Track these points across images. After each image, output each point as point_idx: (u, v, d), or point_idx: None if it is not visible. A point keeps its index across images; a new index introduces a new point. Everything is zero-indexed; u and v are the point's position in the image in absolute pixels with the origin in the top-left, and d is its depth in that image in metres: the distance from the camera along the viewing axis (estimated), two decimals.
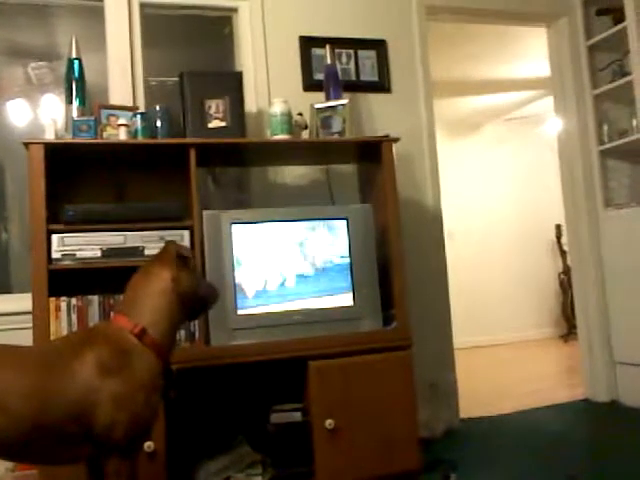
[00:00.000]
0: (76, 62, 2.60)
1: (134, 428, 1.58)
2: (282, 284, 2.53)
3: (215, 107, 2.69)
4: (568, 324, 6.56)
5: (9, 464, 2.46)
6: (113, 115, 2.67)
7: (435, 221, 3.39)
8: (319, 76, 3.12)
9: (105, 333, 1.67)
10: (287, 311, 2.51)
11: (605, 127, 3.77)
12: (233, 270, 2.47)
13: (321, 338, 2.49)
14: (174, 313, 1.74)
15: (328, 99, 2.94)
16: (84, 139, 2.47)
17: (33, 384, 1.52)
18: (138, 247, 2.42)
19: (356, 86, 3.26)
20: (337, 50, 3.22)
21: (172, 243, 1.81)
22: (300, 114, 2.92)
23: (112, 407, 1.55)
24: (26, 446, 1.52)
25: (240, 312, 2.46)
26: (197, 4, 3.16)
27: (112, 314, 1.77)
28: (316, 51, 3.20)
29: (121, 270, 2.42)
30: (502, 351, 6.14)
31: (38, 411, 1.49)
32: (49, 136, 2.46)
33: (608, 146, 3.74)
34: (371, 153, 2.78)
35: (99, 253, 2.38)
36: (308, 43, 3.22)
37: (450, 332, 3.36)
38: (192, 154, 2.51)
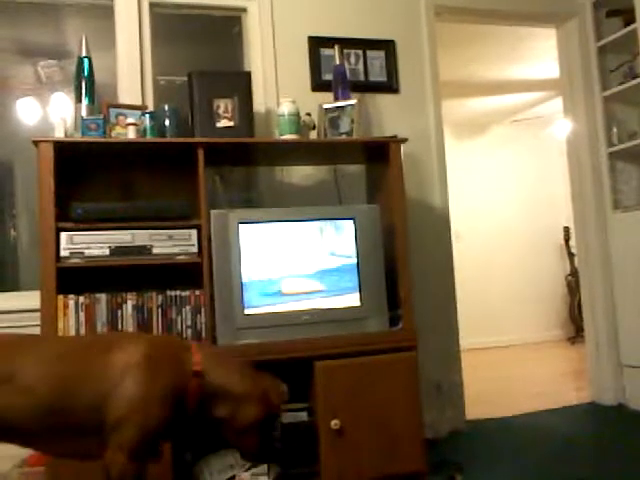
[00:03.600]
0: (86, 61, 2.61)
1: (144, 433, 1.56)
2: (289, 284, 2.54)
3: (224, 107, 2.69)
4: (575, 326, 6.54)
5: (17, 461, 2.48)
6: (122, 114, 2.68)
7: (442, 222, 3.38)
8: (327, 76, 3.12)
9: (169, 341, 1.72)
10: (293, 311, 2.52)
11: (614, 129, 3.75)
12: (240, 269, 2.47)
13: (327, 338, 2.49)
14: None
15: (336, 99, 2.94)
16: (93, 138, 2.48)
17: (61, 371, 1.56)
18: (146, 246, 2.43)
19: (364, 86, 3.26)
20: (346, 50, 3.22)
21: (280, 388, 1.74)
22: (308, 114, 2.92)
23: (128, 404, 1.55)
24: (45, 431, 1.54)
25: (247, 312, 2.47)
26: (206, 4, 3.17)
27: (194, 345, 1.74)
28: (325, 51, 3.20)
29: (129, 268, 2.44)
30: (508, 353, 6.12)
31: (61, 395, 1.53)
32: (58, 134, 2.47)
33: (617, 148, 3.72)
34: (379, 153, 2.78)
35: (107, 251, 2.39)
36: (317, 43, 3.22)
37: (456, 333, 3.35)
38: (200, 153, 2.51)
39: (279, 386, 1.73)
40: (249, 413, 1.64)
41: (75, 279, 2.39)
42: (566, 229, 6.65)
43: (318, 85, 3.18)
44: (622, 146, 3.70)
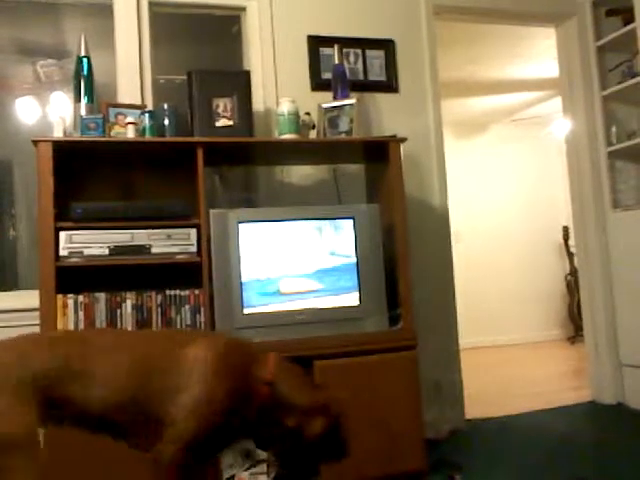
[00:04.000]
0: (85, 60, 2.61)
1: (199, 431, 1.57)
2: (288, 283, 2.54)
3: (223, 106, 2.69)
4: (575, 326, 6.54)
5: None
6: (121, 113, 2.68)
7: (442, 221, 3.38)
8: (327, 76, 3.12)
9: (243, 346, 1.74)
10: (293, 310, 2.52)
11: (614, 128, 3.75)
12: (239, 269, 2.47)
13: (326, 338, 2.49)
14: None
15: (336, 99, 2.94)
16: (92, 137, 2.48)
17: (140, 364, 1.60)
18: (145, 245, 2.43)
19: (364, 86, 3.26)
20: (345, 50, 3.22)
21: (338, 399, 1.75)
22: (308, 114, 2.92)
23: (190, 401, 1.57)
24: (118, 418, 1.57)
25: (246, 311, 2.47)
26: (206, 3, 3.17)
27: (270, 354, 1.76)
28: (324, 50, 3.20)
29: (128, 268, 2.44)
30: (508, 352, 6.12)
31: (137, 387, 1.56)
32: (57, 134, 2.47)
33: (616, 147, 3.72)
34: (378, 153, 2.78)
35: (106, 251, 2.39)
36: (316, 42, 3.22)
37: (456, 332, 3.35)
38: (199, 153, 2.51)
39: (337, 398, 1.75)
40: (317, 425, 1.68)
41: (74, 278, 2.39)
42: (565, 228, 6.65)
43: (317, 84, 3.18)
44: (621, 145, 3.70)
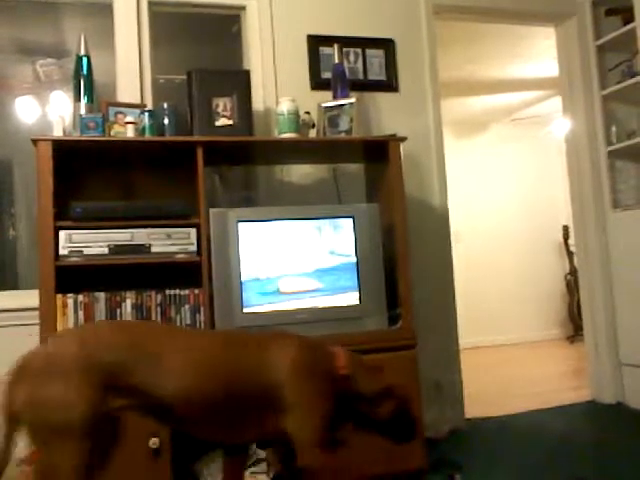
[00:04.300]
0: (85, 59, 2.61)
1: (322, 422, 1.66)
2: (288, 283, 2.53)
3: (223, 105, 2.69)
4: (574, 325, 6.54)
5: (16, 459, 2.47)
6: (121, 112, 2.68)
7: (442, 221, 3.38)
8: (327, 75, 3.12)
9: (317, 344, 1.79)
10: (292, 310, 2.52)
11: (613, 128, 3.75)
12: (239, 268, 2.47)
13: (326, 337, 2.47)
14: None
15: (335, 98, 2.93)
16: (92, 136, 2.48)
17: (230, 360, 1.65)
18: (145, 244, 2.43)
19: (364, 85, 3.26)
20: (345, 49, 3.22)
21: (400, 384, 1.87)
22: (307, 113, 2.92)
23: (299, 402, 1.65)
24: (209, 413, 1.62)
25: (246, 310, 2.47)
26: (206, 2, 3.16)
27: (339, 350, 1.83)
28: (324, 50, 3.20)
29: (128, 267, 2.44)
30: (508, 351, 6.13)
31: (227, 383, 1.62)
32: (57, 133, 2.47)
33: (616, 147, 3.72)
34: (378, 152, 2.77)
35: (106, 250, 2.39)
36: (316, 42, 3.21)
37: (455, 332, 3.35)
38: (199, 152, 2.51)
39: (399, 383, 1.87)
40: (386, 409, 1.80)
41: (74, 278, 2.39)
42: (565, 228, 6.66)
43: (317, 84, 3.18)
44: (621, 145, 3.70)
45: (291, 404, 1.64)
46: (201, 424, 1.65)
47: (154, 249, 2.43)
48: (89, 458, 1.49)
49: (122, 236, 2.41)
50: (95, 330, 1.66)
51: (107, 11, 2.99)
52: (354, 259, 2.60)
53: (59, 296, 2.31)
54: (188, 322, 2.45)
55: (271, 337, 1.75)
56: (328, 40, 3.18)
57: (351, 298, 2.59)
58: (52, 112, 2.90)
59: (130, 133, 2.56)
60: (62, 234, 2.34)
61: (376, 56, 3.32)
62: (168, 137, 2.67)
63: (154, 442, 2.22)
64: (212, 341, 1.71)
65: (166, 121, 2.69)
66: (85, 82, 2.59)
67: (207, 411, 1.61)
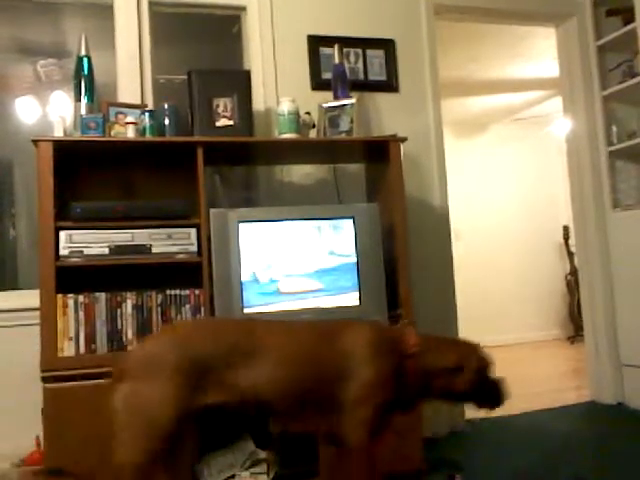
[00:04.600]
0: (85, 59, 2.61)
1: (377, 411, 1.73)
2: (288, 283, 2.53)
3: (223, 106, 2.69)
4: (575, 326, 6.54)
5: (15, 459, 2.48)
6: (121, 113, 2.68)
7: (442, 221, 3.38)
8: (327, 75, 3.12)
9: (385, 327, 1.92)
10: (293, 310, 2.51)
11: (614, 128, 3.76)
12: (240, 268, 2.47)
13: None
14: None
15: (336, 98, 2.94)
16: (92, 136, 2.48)
17: (315, 350, 1.75)
18: (145, 245, 2.43)
19: (364, 85, 3.26)
20: (345, 49, 3.22)
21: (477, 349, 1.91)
22: (308, 113, 2.92)
23: (363, 385, 1.72)
24: (277, 404, 1.69)
25: (246, 311, 2.47)
26: (206, 3, 3.17)
27: (407, 329, 1.93)
28: (324, 50, 3.20)
29: (128, 267, 2.44)
30: (508, 352, 6.12)
31: (315, 371, 1.71)
32: (58, 133, 2.47)
33: (617, 147, 3.72)
34: (378, 152, 2.78)
35: (107, 250, 2.39)
36: (316, 42, 3.22)
37: (456, 332, 3.34)
38: (200, 152, 2.51)
39: (476, 348, 1.91)
40: (464, 379, 1.85)
41: (74, 278, 2.39)
42: (566, 228, 6.66)
43: (318, 84, 3.18)
44: (622, 145, 3.70)
45: (357, 387, 1.71)
46: (289, 413, 1.73)
47: (154, 249, 2.43)
48: (158, 460, 1.56)
49: (122, 236, 2.41)
50: (191, 329, 1.73)
51: (108, 11, 2.99)
52: (354, 259, 2.60)
53: (59, 296, 2.31)
54: None
55: (345, 324, 1.83)
56: (328, 40, 3.18)
57: (351, 298, 2.59)
58: (52, 112, 2.90)
59: (130, 133, 2.56)
60: (62, 234, 2.34)
61: (376, 56, 3.32)
62: (168, 137, 2.67)
63: None
64: (299, 333, 1.79)
65: (166, 121, 2.69)
66: (86, 82, 2.59)
67: (296, 400, 1.69)
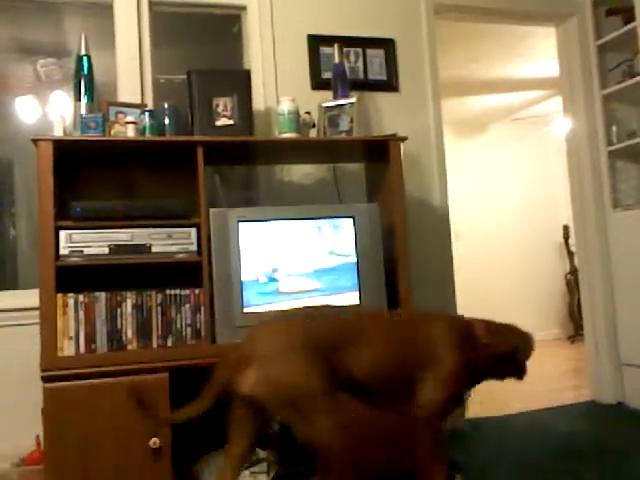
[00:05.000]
0: (85, 59, 2.61)
1: (451, 398, 1.92)
2: (288, 282, 2.53)
3: (223, 105, 2.69)
4: (575, 325, 6.54)
5: (15, 459, 2.48)
6: (121, 112, 2.68)
7: (442, 221, 3.38)
8: (327, 75, 3.12)
9: (459, 319, 2.08)
10: (293, 310, 2.51)
11: (614, 128, 3.76)
12: (240, 268, 2.47)
13: None
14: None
15: (336, 98, 2.93)
16: (92, 136, 2.48)
17: (400, 341, 1.89)
18: (145, 244, 2.43)
19: (364, 85, 3.26)
20: (345, 49, 3.22)
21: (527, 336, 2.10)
22: (308, 113, 2.92)
23: (444, 372, 1.89)
24: (377, 385, 1.85)
25: (246, 310, 2.47)
26: (206, 2, 3.17)
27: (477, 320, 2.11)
28: (324, 50, 3.20)
29: (128, 267, 2.44)
30: None
31: (402, 359, 1.87)
32: (57, 133, 2.47)
33: (617, 147, 3.72)
34: (378, 152, 2.77)
35: (106, 250, 2.38)
36: (316, 42, 3.22)
37: None
38: (200, 152, 2.51)
39: (526, 333, 2.10)
40: (519, 360, 2.07)
41: (74, 278, 2.39)
42: (566, 228, 6.66)
43: (318, 83, 3.18)
44: (622, 145, 3.70)
45: (440, 369, 1.88)
46: (379, 394, 1.89)
47: (154, 249, 2.43)
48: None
49: (122, 236, 2.41)
50: (301, 318, 1.86)
51: (108, 11, 2.99)
52: (354, 259, 2.60)
53: (59, 296, 2.31)
54: (188, 322, 2.45)
55: (427, 316, 2.00)
56: (328, 40, 3.18)
57: (351, 298, 2.59)
58: (52, 112, 2.90)
59: (130, 133, 2.56)
60: (62, 234, 2.34)
61: (376, 56, 3.32)
62: (168, 137, 2.67)
63: (154, 442, 2.22)
64: (392, 324, 1.94)
65: (166, 121, 2.69)
66: (86, 82, 2.59)
67: (386, 383, 1.86)
